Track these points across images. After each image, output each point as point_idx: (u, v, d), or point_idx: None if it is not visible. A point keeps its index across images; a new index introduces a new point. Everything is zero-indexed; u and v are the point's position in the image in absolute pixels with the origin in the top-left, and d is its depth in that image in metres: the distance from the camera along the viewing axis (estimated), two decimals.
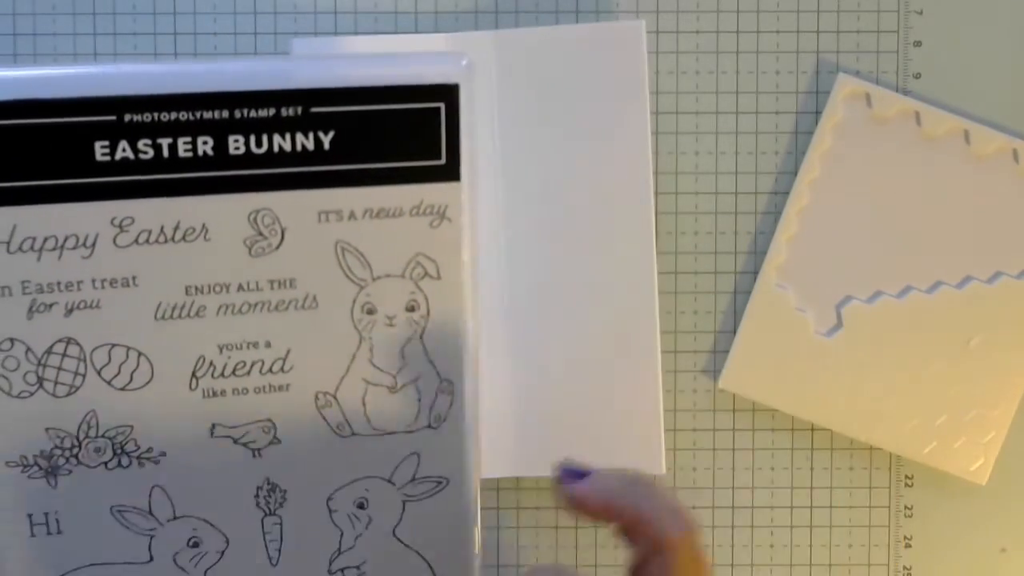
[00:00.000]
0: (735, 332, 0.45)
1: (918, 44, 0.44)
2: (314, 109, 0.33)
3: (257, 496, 0.36)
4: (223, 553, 0.36)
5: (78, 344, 0.34)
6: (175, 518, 0.35)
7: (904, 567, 0.45)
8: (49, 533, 0.35)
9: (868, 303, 0.44)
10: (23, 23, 0.44)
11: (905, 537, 0.45)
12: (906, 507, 0.45)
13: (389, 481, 0.36)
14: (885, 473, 0.45)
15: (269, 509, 0.36)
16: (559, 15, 0.44)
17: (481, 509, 0.44)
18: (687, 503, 0.45)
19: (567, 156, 0.42)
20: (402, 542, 0.37)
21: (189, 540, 0.35)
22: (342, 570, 0.37)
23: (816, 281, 0.44)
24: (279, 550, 0.36)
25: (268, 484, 0.36)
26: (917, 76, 0.44)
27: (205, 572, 0.36)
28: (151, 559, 0.35)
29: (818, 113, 0.44)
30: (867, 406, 0.44)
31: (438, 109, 0.34)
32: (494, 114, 0.42)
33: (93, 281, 0.33)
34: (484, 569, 0.45)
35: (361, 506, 0.36)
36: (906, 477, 0.45)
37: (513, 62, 0.42)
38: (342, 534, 0.37)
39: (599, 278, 0.42)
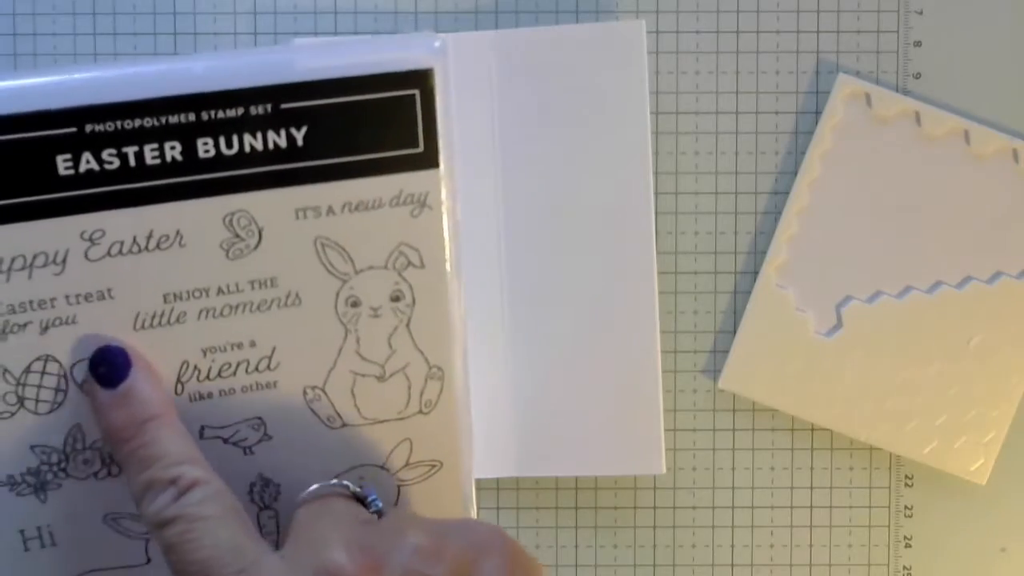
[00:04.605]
0: (735, 332, 0.44)
1: (918, 44, 0.44)
2: (284, 105, 0.33)
3: (251, 492, 0.36)
4: None
5: (57, 361, 0.33)
6: None
7: (904, 567, 0.45)
8: (43, 546, 0.34)
9: (868, 303, 0.44)
10: (23, 23, 0.44)
11: (905, 537, 0.45)
12: (906, 507, 0.45)
13: (383, 468, 0.36)
14: (885, 473, 0.45)
15: (264, 503, 0.36)
16: (559, 15, 0.44)
17: (481, 509, 0.45)
18: (687, 503, 0.45)
19: (567, 156, 0.42)
20: None
21: None
22: None
23: (816, 281, 0.44)
24: (276, 542, 0.36)
25: (261, 480, 0.36)
26: (917, 76, 0.44)
27: None
28: (148, 560, 0.35)
29: (818, 113, 0.44)
30: (867, 406, 0.44)
31: (413, 96, 0.33)
32: (494, 114, 0.42)
33: (67, 297, 0.33)
34: None
35: None
36: (906, 477, 0.45)
37: (513, 62, 0.42)
38: None
39: (599, 278, 0.42)
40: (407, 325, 0.35)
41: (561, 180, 0.42)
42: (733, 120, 0.45)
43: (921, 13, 0.44)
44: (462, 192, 0.42)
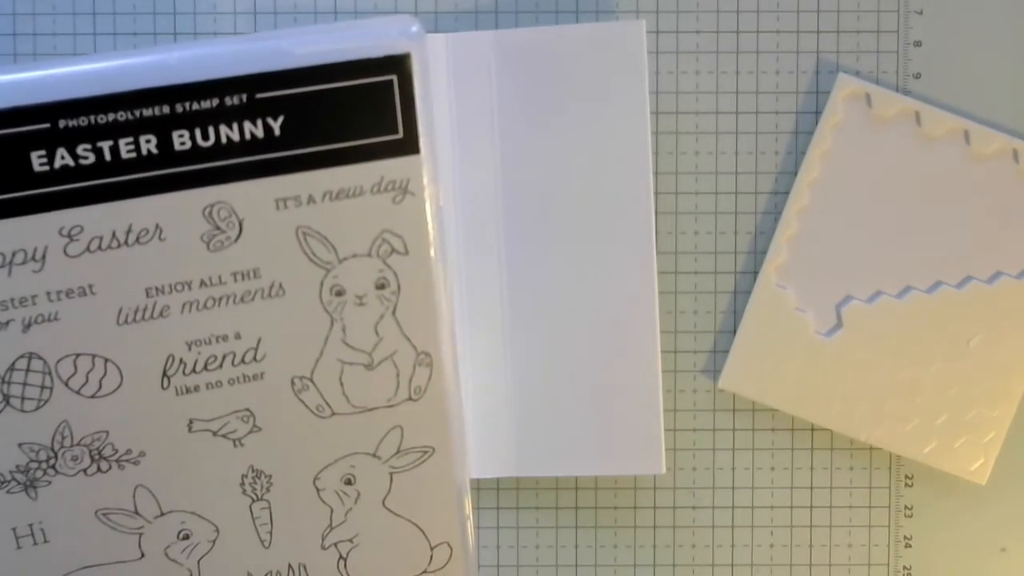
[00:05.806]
0: (735, 332, 0.44)
1: (918, 44, 0.44)
2: (260, 95, 0.32)
3: (243, 484, 0.36)
4: (214, 542, 0.36)
5: (41, 358, 0.33)
6: (162, 514, 0.35)
7: (904, 567, 0.45)
8: (35, 543, 0.34)
9: (868, 303, 0.44)
10: (23, 23, 0.44)
11: (905, 537, 0.45)
12: (906, 507, 0.45)
13: (374, 455, 0.36)
14: (885, 473, 0.45)
15: (256, 495, 0.36)
16: (559, 15, 0.44)
17: (481, 509, 0.45)
18: (687, 503, 0.45)
19: (567, 156, 0.42)
20: (393, 512, 0.37)
21: (179, 533, 0.35)
22: (335, 544, 0.37)
23: (816, 281, 0.44)
24: (270, 532, 0.36)
25: (252, 471, 0.36)
26: (917, 76, 0.44)
27: (198, 562, 0.36)
28: (142, 556, 0.35)
29: (818, 113, 0.44)
30: (867, 406, 0.44)
31: (390, 82, 0.33)
32: (494, 114, 0.42)
33: (48, 294, 0.33)
34: (483, 569, 0.45)
35: (348, 482, 0.36)
36: (906, 477, 0.45)
37: (513, 62, 0.42)
38: (332, 511, 0.37)
39: (599, 278, 0.42)
40: (393, 312, 0.35)
41: (561, 180, 0.42)
42: (733, 120, 0.45)
43: (921, 13, 0.44)
44: (461, 192, 0.42)
